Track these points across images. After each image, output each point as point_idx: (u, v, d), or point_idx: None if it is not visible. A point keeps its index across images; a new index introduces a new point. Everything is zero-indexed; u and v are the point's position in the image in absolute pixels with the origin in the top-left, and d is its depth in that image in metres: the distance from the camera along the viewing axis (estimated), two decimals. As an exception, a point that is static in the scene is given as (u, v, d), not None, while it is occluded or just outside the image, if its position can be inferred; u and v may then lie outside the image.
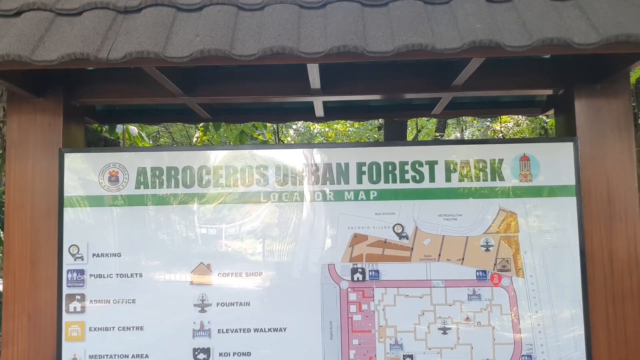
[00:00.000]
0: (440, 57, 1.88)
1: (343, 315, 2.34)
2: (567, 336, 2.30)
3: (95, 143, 3.71)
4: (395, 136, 4.45)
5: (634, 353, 2.30)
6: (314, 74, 2.22)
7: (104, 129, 4.05)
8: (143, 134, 4.84)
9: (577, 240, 2.33)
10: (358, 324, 2.34)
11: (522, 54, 1.86)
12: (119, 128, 4.26)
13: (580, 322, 2.29)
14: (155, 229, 2.39)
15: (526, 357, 2.30)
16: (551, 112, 2.98)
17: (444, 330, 2.32)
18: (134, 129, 4.78)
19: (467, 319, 2.32)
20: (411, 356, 2.32)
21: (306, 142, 13.27)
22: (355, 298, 2.35)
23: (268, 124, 7.08)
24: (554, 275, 2.32)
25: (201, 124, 6.83)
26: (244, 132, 6.47)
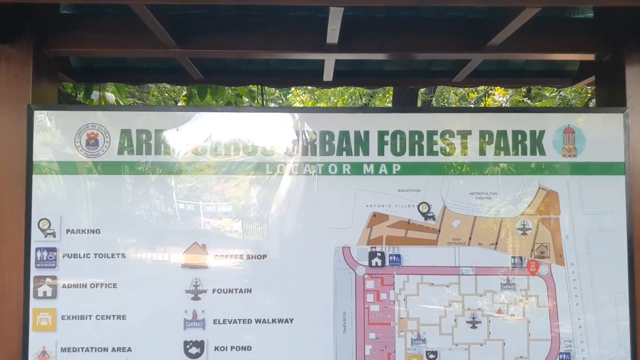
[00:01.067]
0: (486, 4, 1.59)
1: (359, 305, 2.07)
2: (611, 332, 2.07)
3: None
4: (404, 106, 4.14)
5: (682, 351, 2.09)
6: (335, 21, 1.90)
7: (78, 94, 3.67)
8: (121, 102, 4.47)
9: (625, 224, 2.09)
10: (375, 316, 2.07)
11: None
12: (95, 95, 3.87)
13: (625, 316, 2.06)
14: (140, 201, 2.07)
15: (564, 355, 2.06)
16: (583, 82, 2.73)
17: (473, 324, 2.08)
18: (111, 95, 4.39)
19: (500, 311, 2.08)
20: (435, 352, 2.06)
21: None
22: (373, 286, 2.08)
23: (254, 94, 6.73)
24: (597, 263, 2.08)
25: (184, 93, 6.45)
26: (230, 103, 6.12)
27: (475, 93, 10.75)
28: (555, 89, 8.07)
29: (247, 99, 6.49)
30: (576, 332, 2.07)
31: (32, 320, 2.03)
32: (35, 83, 2.11)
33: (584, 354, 2.07)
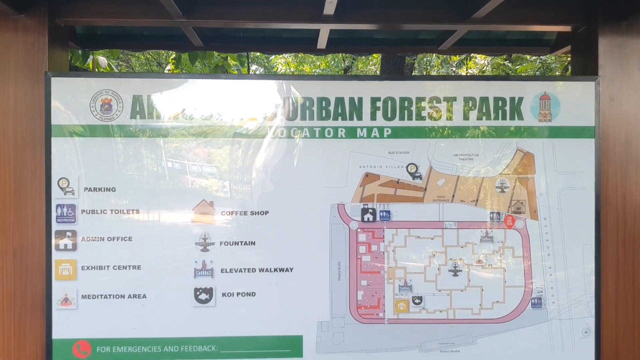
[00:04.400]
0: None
1: (352, 256, 2.36)
2: (578, 279, 2.38)
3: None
4: (392, 73, 4.39)
5: (640, 296, 2.42)
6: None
7: (74, 58, 3.87)
8: (113, 66, 4.65)
9: (593, 183, 2.38)
10: (367, 265, 2.37)
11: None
12: (89, 59, 4.07)
13: (591, 265, 2.38)
14: (152, 162, 2.32)
15: (536, 300, 2.38)
16: (560, 51, 3.00)
17: (455, 272, 2.38)
18: (103, 59, 4.58)
19: (479, 261, 2.38)
20: (420, 298, 2.37)
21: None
22: (365, 239, 2.37)
23: (242, 58, 6.90)
24: (568, 218, 2.38)
25: (172, 56, 6.61)
26: (219, 67, 6.30)
27: (457, 56, 10.99)
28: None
29: (235, 63, 6.69)
30: (547, 280, 2.38)
31: (55, 270, 2.29)
32: (51, 51, 2.32)
33: (554, 299, 2.38)
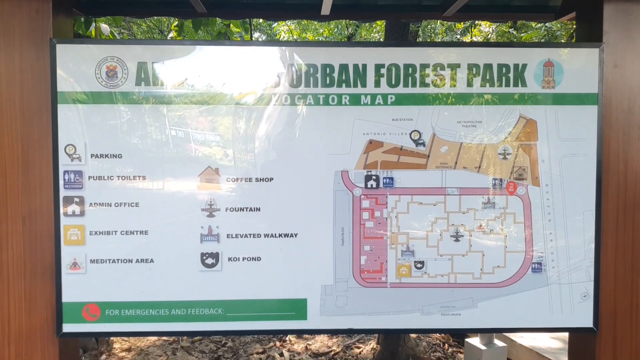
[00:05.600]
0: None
1: (355, 221, 2.42)
2: (578, 245, 2.44)
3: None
4: (396, 40, 4.39)
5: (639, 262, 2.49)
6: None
7: (76, 26, 3.88)
8: (115, 33, 4.66)
9: (595, 150, 2.42)
10: (370, 231, 2.43)
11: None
12: (92, 26, 4.09)
13: (591, 231, 2.44)
14: (158, 129, 2.37)
15: (536, 265, 2.45)
16: (565, 17, 3.00)
17: (457, 238, 2.44)
18: (105, 27, 4.58)
19: (480, 226, 2.44)
20: (422, 262, 2.44)
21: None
22: (368, 205, 2.43)
23: (246, 25, 6.90)
24: (569, 184, 2.43)
25: (175, 24, 6.60)
26: (221, 34, 6.29)
27: (462, 24, 10.96)
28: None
29: (237, 30, 6.68)
30: (547, 245, 2.45)
31: (63, 235, 2.35)
32: (55, 17, 2.34)
33: (554, 264, 2.45)
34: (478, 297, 2.44)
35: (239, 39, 6.43)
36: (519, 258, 2.45)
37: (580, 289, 2.45)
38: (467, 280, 2.43)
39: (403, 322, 2.44)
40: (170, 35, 6.94)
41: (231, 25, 6.55)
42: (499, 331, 2.68)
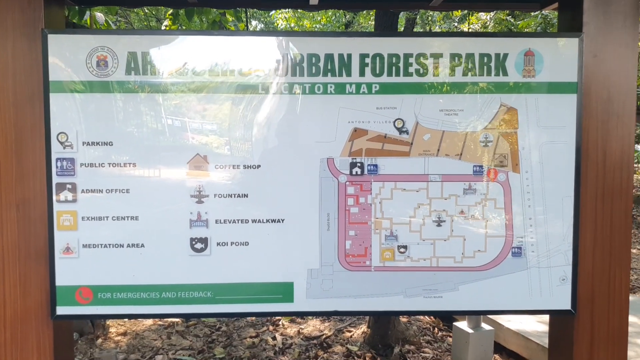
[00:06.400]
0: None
1: (340, 207, 2.51)
2: (557, 230, 2.53)
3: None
4: (385, 29, 4.46)
5: (617, 247, 2.57)
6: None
7: (71, 15, 3.94)
8: (110, 22, 4.72)
9: (574, 138, 2.49)
10: (355, 216, 2.52)
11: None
12: (87, 15, 4.14)
13: (570, 216, 2.52)
14: (148, 117, 2.44)
15: (516, 249, 2.54)
16: (549, 7, 3.07)
17: (439, 223, 2.53)
18: (100, 16, 4.64)
19: (462, 212, 2.53)
20: (405, 246, 2.53)
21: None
22: (353, 191, 2.51)
23: (239, 13, 6.96)
24: (549, 171, 2.51)
25: (170, 12, 6.65)
26: (216, 22, 6.35)
27: (460, 11, 11.09)
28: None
29: (232, 19, 6.75)
30: (527, 230, 2.54)
31: (56, 221, 2.43)
32: (47, 8, 2.40)
33: (533, 248, 2.54)
34: (459, 280, 2.53)
35: (233, 27, 6.48)
36: (499, 242, 2.53)
37: (559, 272, 2.54)
38: (449, 264, 2.52)
39: (387, 305, 2.53)
40: (165, 23, 6.99)
41: (227, 13, 6.62)
42: (480, 313, 2.78)
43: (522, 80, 2.48)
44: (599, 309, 2.58)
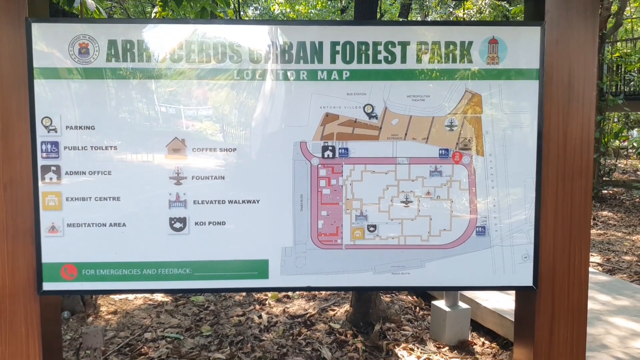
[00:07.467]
0: None
1: (313, 189, 2.65)
2: (519, 210, 2.67)
3: (54, 15, 3.73)
4: (365, 17, 4.57)
5: (577, 226, 2.71)
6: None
7: (61, 2, 4.03)
8: (101, 9, 4.82)
9: (536, 122, 2.63)
10: (327, 197, 2.66)
11: None
12: (77, 2, 4.24)
13: (532, 197, 2.66)
14: (128, 102, 2.57)
15: (480, 228, 2.68)
16: (524, -4, 3.19)
17: (406, 203, 2.67)
18: (91, 2, 4.73)
19: (428, 193, 2.67)
20: (374, 226, 2.68)
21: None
22: (325, 174, 2.65)
23: (230, 1, 7.06)
24: (511, 154, 2.65)
25: (159, -1, 6.74)
26: (205, 9, 6.45)
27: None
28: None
29: (222, 5, 6.84)
30: (491, 210, 2.68)
31: (42, 201, 2.57)
32: (30, -3, 2.54)
33: (497, 227, 2.68)
34: (426, 258, 2.68)
35: (222, 14, 6.58)
36: (464, 222, 2.68)
37: (521, 250, 2.69)
38: (416, 242, 2.67)
39: (357, 281, 2.68)
40: (155, 9, 7.09)
41: (216, 0, 6.71)
42: (445, 289, 2.94)
43: (486, 67, 2.61)
44: (559, 285, 2.73)
